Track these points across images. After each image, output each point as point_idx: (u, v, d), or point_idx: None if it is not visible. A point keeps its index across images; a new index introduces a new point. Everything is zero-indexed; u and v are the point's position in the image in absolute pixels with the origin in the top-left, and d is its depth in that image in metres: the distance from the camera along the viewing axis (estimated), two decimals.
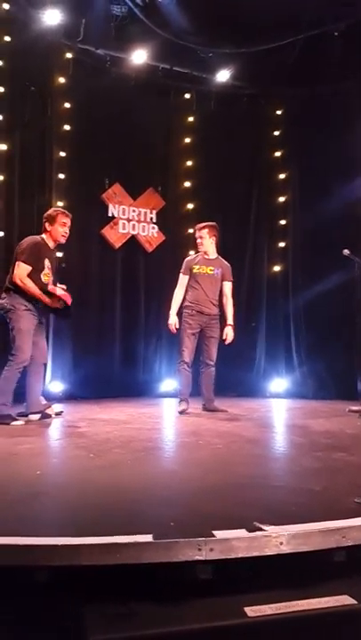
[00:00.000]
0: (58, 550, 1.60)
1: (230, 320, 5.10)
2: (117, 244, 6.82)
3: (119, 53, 6.52)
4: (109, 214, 6.75)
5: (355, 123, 6.57)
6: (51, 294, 4.33)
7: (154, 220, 7.01)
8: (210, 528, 1.74)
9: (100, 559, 1.60)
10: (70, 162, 6.36)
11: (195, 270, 5.12)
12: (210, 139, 6.97)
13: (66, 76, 6.30)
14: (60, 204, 6.28)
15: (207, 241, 5.14)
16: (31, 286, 4.23)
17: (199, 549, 1.64)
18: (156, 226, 7.02)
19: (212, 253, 5.19)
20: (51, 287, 4.38)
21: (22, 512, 2.02)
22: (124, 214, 6.83)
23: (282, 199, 7.34)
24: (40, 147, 6.19)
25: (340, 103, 6.79)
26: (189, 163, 7.09)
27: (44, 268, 4.37)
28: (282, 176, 7.33)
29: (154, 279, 6.87)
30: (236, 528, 1.78)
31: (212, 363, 5.09)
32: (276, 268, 7.30)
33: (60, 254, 6.20)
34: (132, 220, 6.88)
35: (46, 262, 4.41)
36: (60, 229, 4.48)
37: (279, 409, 5.90)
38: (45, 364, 4.50)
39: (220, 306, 5.16)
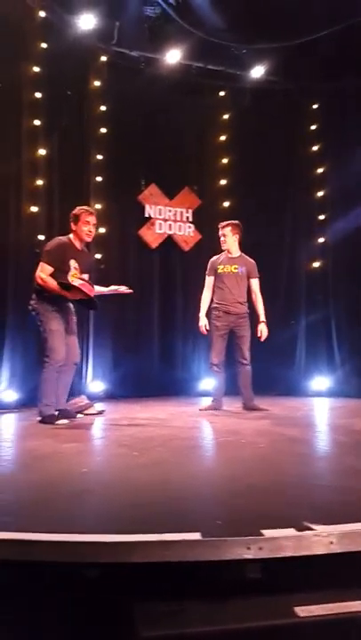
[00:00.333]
0: (107, 547, 1.62)
1: (262, 317, 5.06)
2: (154, 245, 6.86)
3: (153, 54, 6.56)
4: (146, 215, 6.80)
5: None
6: (69, 287, 4.22)
7: (190, 220, 7.02)
8: (257, 527, 1.72)
9: (149, 556, 1.60)
10: (107, 164, 6.45)
11: (219, 270, 5.10)
12: (245, 135, 6.93)
13: (101, 79, 6.38)
14: (98, 206, 6.38)
15: (230, 239, 5.11)
16: (50, 283, 4.18)
17: (248, 548, 1.63)
18: (192, 225, 7.03)
19: (236, 251, 5.16)
20: (77, 284, 4.28)
21: (70, 509, 2.06)
22: (160, 214, 6.87)
23: (320, 194, 7.22)
24: (77, 150, 6.29)
25: None
26: (225, 160, 7.07)
27: (69, 269, 4.32)
28: (319, 170, 7.22)
29: (191, 278, 6.86)
30: (284, 527, 1.75)
31: (246, 361, 5.05)
32: (316, 265, 7.19)
33: (98, 256, 6.31)
34: (169, 219, 6.91)
35: (72, 263, 4.35)
36: (83, 228, 4.42)
37: (321, 408, 5.81)
38: (77, 364, 4.51)
39: (251, 303, 5.11)
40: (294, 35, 6.31)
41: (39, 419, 4.28)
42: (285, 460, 2.95)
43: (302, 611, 1.62)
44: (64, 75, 6.08)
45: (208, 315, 5.12)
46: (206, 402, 5.15)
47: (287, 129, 7.15)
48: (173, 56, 6.50)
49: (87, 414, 4.78)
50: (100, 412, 4.88)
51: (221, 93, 7.07)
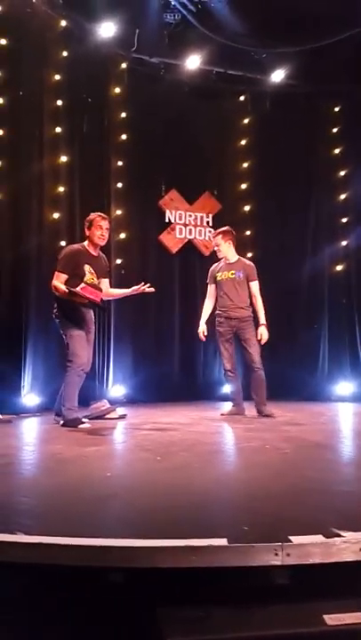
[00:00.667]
0: (134, 552, 1.60)
1: (263, 320, 4.98)
2: (175, 249, 6.87)
3: (173, 60, 6.59)
4: (166, 220, 6.82)
5: None
6: (74, 293, 4.26)
7: (210, 224, 7.02)
8: (285, 533, 1.69)
9: (176, 562, 1.59)
10: (127, 170, 6.49)
11: (218, 278, 5.11)
12: (266, 139, 6.91)
13: (121, 86, 6.44)
14: (119, 212, 6.42)
15: (224, 246, 5.09)
16: (61, 288, 4.25)
17: (276, 554, 1.60)
18: (212, 229, 7.01)
19: (233, 257, 5.13)
20: (83, 289, 4.32)
21: (94, 514, 2.05)
22: (180, 219, 6.88)
23: (342, 197, 7.15)
24: (98, 157, 6.34)
25: None
26: (245, 165, 7.06)
27: (84, 275, 4.38)
28: (342, 173, 7.16)
29: None
30: (312, 533, 1.72)
31: (255, 365, 4.94)
32: (339, 268, 7.12)
33: (118, 261, 6.34)
34: (189, 224, 6.92)
35: (87, 268, 4.40)
36: (96, 232, 4.49)
37: (346, 413, 5.73)
38: (87, 373, 4.55)
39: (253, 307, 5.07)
40: (315, 38, 6.28)
41: (62, 421, 4.32)
42: (311, 466, 2.91)
43: (331, 619, 1.59)
44: (85, 82, 6.15)
45: (212, 323, 5.13)
46: (228, 407, 5.12)
47: (308, 132, 7.11)
48: (193, 62, 6.52)
49: (109, 418, 4.79)
50: (122, 417, 4.88)
51: (241, 98, 7.07)
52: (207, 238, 7.01)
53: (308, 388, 6.68)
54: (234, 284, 5.03)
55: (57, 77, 5.88)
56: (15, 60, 5.56)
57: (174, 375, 6.64)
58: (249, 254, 7.06)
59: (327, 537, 1.69)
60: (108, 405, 4.94)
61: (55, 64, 5.88)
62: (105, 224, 4.53)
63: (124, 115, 6.44)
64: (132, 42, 6.28)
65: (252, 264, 5.16)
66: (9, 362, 5.35)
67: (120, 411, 4.98)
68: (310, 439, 3.78)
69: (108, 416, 4.82)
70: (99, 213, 4.62)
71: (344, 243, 7.14)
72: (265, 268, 7.06)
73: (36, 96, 5.73)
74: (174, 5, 6.12)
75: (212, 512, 2.06)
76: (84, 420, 4.38)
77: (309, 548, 1.64)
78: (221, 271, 5.11)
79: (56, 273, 4.37)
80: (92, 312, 4.53)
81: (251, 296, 5.05)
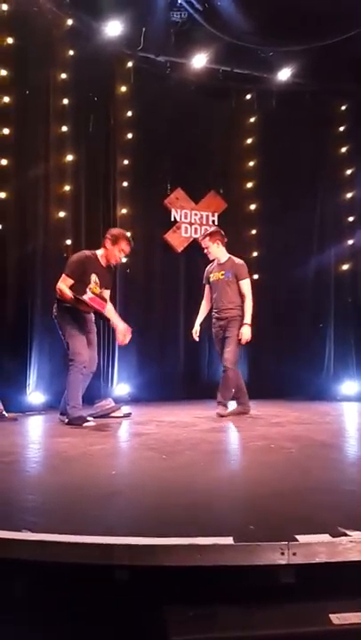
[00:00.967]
0: (139, 550, 1.60)
1: (246, 319, 4.89)
2: (180, 248, 6.86)
3: (179, 59, 6.57)
4: (172, 219, 6.81)
5: None
6: (81, 300, 4.33)
7: (216, 223, 7.00)
8: (290, 532, 1.69)
9: (181, 560, 1.59)
10: (133, 169, 6.48)
11: (211, 279, 5.10)
12: (272, 138, 6.89)
13: (127, 84, 6.43)
14: (124, 211, 6.42)
15: (213, 248, 5.05)
16: (66, 293, 4.30)
17: (282, 553, 1.60)
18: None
19: (223, 257, 5.09)
20: (89, 299, 4.37)
21: (100, 511, 2.05)
22: (186, 218, 6.87)
23: (348, 195, 7.12)
24: (104, 156, 6.34)
25: None
26: (251, 163, 7.04)
27: (89, 282, 4.40)
28: (348, 172, 7.13)
29: None
30: (318, 533, 1.71)
31: (225, 364, 4.86)
32: (345, 267, 7.09)
33: (124, 260, 6.33)
34: (195, 223, 6.91)
35: (93, 277, 4.43)
36: (117, 253, 4.53)
37: (351, 412, 5.70)
38: (93, 373, 4.56)
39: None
40: (321, 36, 6.25)
41: (67, 419, 4.32)
42: (316, 466, 2.90)
43: (337, 618, 1.58)
44: (91, 81, 6.15)
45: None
46: (232, 406, 5.09)
47: (314, 131, 7.08)
48: (199, 60, 6.50)
49: (114, 417, 4.79)
50: (127, 415, 4.89)
51: (248, 96, 7.04)
52: None
53: (314, 388, 6.66)
54: (224, 284, 5.00)
55: (63, 76, 5.88)
56: (21, 59, 5.56)
57: (179, 374, 6.63)
58: (254, 253, 7.07)
59: (333, 536, 1.68)
60: (113, 404, 4.95)
61: (61, 63, 5.88)
62: (128, 249, 4.57)
63: (129, 113, 6.44)
64: (139, 40, 6.27)
65: (241, 262, 5.08)
66: (14, 360, 5.37)
67: (125, 409, 4.98)
68: (316, 438, 3.77)
69: (112, 414, 4.82)
70: (127, 235, 4.64)
71: (350, 242, 7.11)
72: (270, 266, 7.10)
73: (41, 95, 5.74)
74: (181, 4, 6.10)
75: (218, 511, 2.06)
76: (88, 418, 4.39)
77: (316, 547, 1.64)
78: (214, 272, 5.11)
79: (63, 276, 4.38)
80: (92, 313, 4.54)
81: (241, 295, 4.98)
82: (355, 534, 1.69)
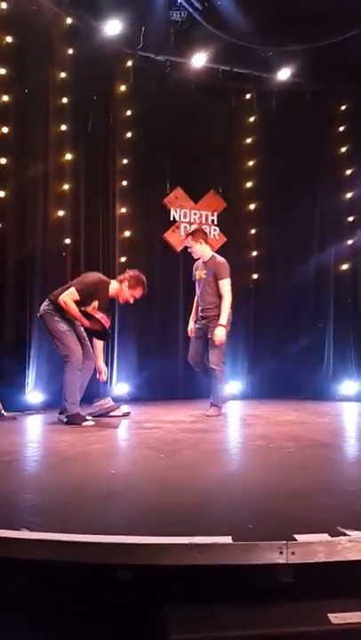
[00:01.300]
0: (138, 549, 1.60)
1: (222, 320, 4.79)
2: (179, 248, 6.85)
3: (179, 58, 6.56)
4: (171, 218, 6.80)
5: None
6: (89, 316, 4.38)
7: (215, 222, 7.00)
8: (290, 531, 1.69)
9: (180, 559, 1.59)
10: (132, 168, 6.47)
11: (196, 277, 5.11)
12: (272, 138, 6.88)
13: (127, 83, 6.41)
14: (124, 210, 6.41)
15: (196, 247, 5.04)
16: (72, 308, 4.32)
17: (280, 552, 1.60)
18: (217, 228, 7.01)
19: (207, 255, 5.07)
20: (91, 310, 4.42)
21: (99, 511, 2.05)
22: (185, 217, 6.86)
23: (348, 195, 7.12)
24: (103, 155, 6.32)
25: None
26: (251, 163, 7.03)
27: (89, 305, 4.44)
28: (348, 172, 7.13)
29: None
30: (317, 532, 1.72)
31: (213, 367, 4.86)
32: (344, 267, 7.09)
33: (123, 259, 6.35)
34: (194, 222, 6.89)
35: (95, 302, 4.46)
36: (127, 294, 4.60)
37: (351, 412, 5.70)
38: (87, 378, 4.57)
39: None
40: (322, 36, 6.24)
41: (65, 419, 4.32)
42: (315, 465, 2.90)
43: (336, 618, 1.59)
44: (90, 80, 6.13)
45: None
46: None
47: (315, 130, 7.07)
48: (199, 60, 6.49)
49: (113, 416, 4.79)
50: (126, 414, 4.89)
51: (247, 96, 7.03)
52: (212, 237, 6.99)
53: (313, 387, 6.66)
54: (205, 283, 4.99)
55: (62, 75, 5.87)
56: (21, 58, 5.55)
57: (178, 373, 6.62)
58: (254, 253, 7.07)
59: (332, 536, 1.68)
60: (112, 403, 4.95)
61: (61, 62, 5.86)
62: (140, 296, 4.65)
63: (129, 113, 6.42)
64: (138, 40, 6.26)
65: (222, 261, 5.01)
66: (13, 359, 5.37)
67: (124, 408, 4.98)
68: (315, 438, 3.77)
69: (111, 414, 4.82)
70: (145, 281, 4.63)
71: (350, 242, 7.10)
72: (270, 266, 7.10)
73: (41, 94, 5.72)
74: (180, 3, 6.08)
75: (217, 510, 2.06)
76: (87, 417, 4.39)
77: (314, 546, 1.64)
78: (198, 271, 5.11)
79: (73, 289, 4.37)
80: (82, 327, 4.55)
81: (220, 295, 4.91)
82: (354, 534, 1.69)
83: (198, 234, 5.08)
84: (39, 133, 5.73)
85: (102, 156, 6.32)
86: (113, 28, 5.95)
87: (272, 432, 3.99)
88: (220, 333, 4.76)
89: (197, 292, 5.13)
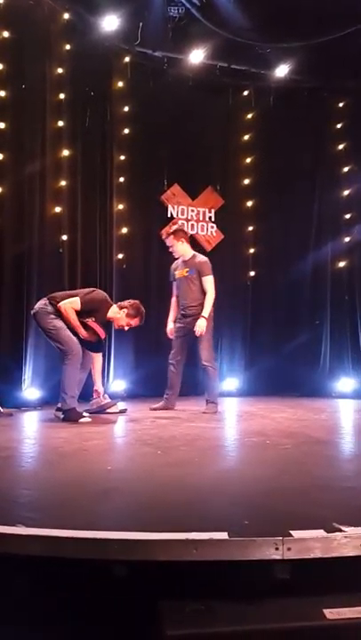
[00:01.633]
0: (134, 545, 1.60)
1: (204, 312, 4.89)
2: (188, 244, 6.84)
3: (176, 54, 6.54)
4: (168, 215, 6.79)
5: None
6: (87, 326, 4.44)
7: (212, 219, 7.00)
8: (286, 527, 1.69)
9: (177, 555, 1.59)
10: (130, 165, 6.46)
11: (176, 276, 5.13)
12: (269, 135, 6.88)
13: (124, 79, 6.39)
14: (121, 206, 6.40)
15: (177, 246, 5.07)
16: (72, 317, 4.37)
17: (276, 548, 1.60)
18: (214, 225, 7.01)
19: (188, 254, 5.11)
20: (89, 321, 4.47)
21: (96, 507, 2.06)
22: (182, 214, 6.86)
23: (346, 193, 7.13)
24: (100, 151, 6.31)
25: None
26: (248, 160, 7.03)
27: (85, 319, 4.49)
28: (345, 169, 7.13)
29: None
30: (313, 528, 1.72)
31: (203, 363, 4.95)
32: (341, 264, 7.10)
33: (120, 255, 6.35)
34: (191, 219, 6.90)
35: (91, 319, 4.51)
36: (125, 323, 4.68)
37: (347, 409, 5.72)
38: (86, 373, 4.60)
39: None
40: (319, 33, 6.23)
41: (62, 415, 4.32)
42: (311, 462, 2.91)
43: (331, 613, 1.59)
44: (87, 75, 6.11)
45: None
46: (160, 403, 5.13)
47: (312, 127, 7.07)
48: (197, 56, 6.48)
49: (110, 413, 4.79)
50: (123, 411, 4.89)
51: (245, 93, 7.02)
52: (209, 233, 7.00)
53: (310, 385, 6.68)
54: (188, 282, 5.03)
55: (60, 71, 5.85)
56: (18, 53, 5.53)
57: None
58: (251, 250, 7.07)
59: (328, 532, 1.69)
60: (109, 400, 4.95)
61: (58, 57, 5.84)
62: (136, 326, 4.75)
63: (126, 109, 6.41)
64: (136, 35, 6.23)
65: (205, 259, 5.10)
66: (10, 356, 5.36)
67: (121, 405, 4.98)
68: (312, 435, 3.78)
69: (108, 410, 4.82)
70: (143, 314, 4.74)
71: (347, 239, 7.11)
72: (267, 263, 7.10)
73: (38, 89, 5.70)
74: None
75: (213, 506, 2.06)
76: (84, 414, 4.39)
77: (310, 542, 1.64)
78: (179, 269, 5.12)
79: (77, 300, 4.43)
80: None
81: (204, 292, 4.99)
82: (349, 530, 1.69)
83: (179, 233, 5.13)
84: (36, 129, 5.71)
85: (100, 153, 6.30)
86: (110, 23, 5.93)
87: (268, 429, 4.00)
88: (202, 324, 4.87)
89: (176, 291, 5.16)
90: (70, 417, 4.26)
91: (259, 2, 5.99)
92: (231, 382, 6.75)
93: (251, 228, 7.05)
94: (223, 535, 1.63)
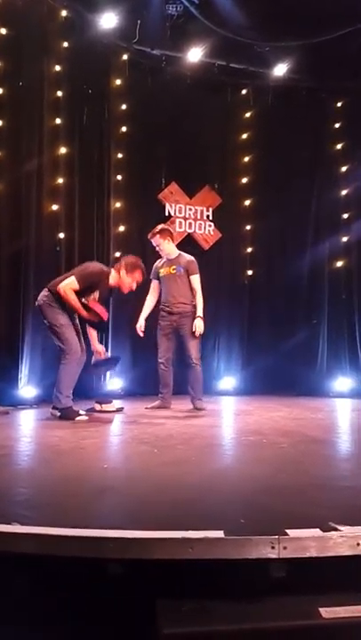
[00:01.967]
0: (130, 543, 1.60)
1: (199, 312, 4.97)
2: (174, 243, 6.83)
3: (175, 53, 6.53)
4: (166, 213, 6.79)
5: None
6: (88, 308, 4.40)
7: (210, 218, 6.99)
8: (281, 526, 1.69)
9: (173, 553, 1.59)
10: (127, 163, 6.45)
11: (161, 274, 5.15)
12: (267, 134, 6.87)
13: (122, 77, 6.38)
14: (118, 205, 6.39)
15: (164, 245, 5.11)
16: (72, 298, 4.30)
17: (272, 547, 1.60)
18: (212, 223, 7.00)
19: (174, 253, 5.17)
20: (90, 302, 4.43)
21: (92, 505, 2.05)
22: (180, 213, 6.85)
23: (344, 192, 7.13)
24: (98, 149, 6.30)
25: None
26: (246, 159, 7.02)
27: (89, 296, 4.45)
28: (343, 169, 7.14)
29: (210, 277, 6.82)
30: (309, 527, 1.72)
31: (192, 361, 5.00)
32: (339, 264, 7.10)
33: (117, 254, 6.33)
34: (189, 218, 6.89)
35: (95, 293, 4.48)
36: (127, 281, 4.57)
37: (344, 409, 5.72)
38: (80, 368, 4.57)
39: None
40: (318, 32, 6.23)
41: (59, 414, 4.31)
42: (308, 461, 2.91)
43: (327, 612, 1.59)
44: (85, 73, 6.10)
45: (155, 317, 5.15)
46: (155, 402, 5.13)
47: (310, 127, 7.07)
48: (195, 54, 6.47)
49: (106, 411, 4.78)
50: (119, 410, 4.88)
51: (243, 91, 7.02)
52: (207, 232, 6.99)
53: (307, 384, 6.68)
54: (175, 279, 5.06)
55: (57, 68, 5.83)
56: (15, 50, 5.51)
57: (172, 368, 6.61)
58: (249, 249, 7.07)
59: (324, 531, 1.69)
60: (109, 355, 4.97)
61: (56, 54, 5.83)
62: (142, 279, 4.64)
63: (124, 107, 6.39)
64: (134, 33, 6.22)
65: (192, 258, 5.16)
66: (6, 354, 5.35)
67: (117, 403, 4.98)
68: (308, 434, 3.78)
69: (105, 408, 4.81)
70: (143, 267, 4.66)
71: (345, 238, 7.12)
72: (265, 262, 7.10)
73: (35, 87, 5.69)
74: None
75: (209, 504, 2.06)
76: (81, 412, 4.38)
77: (306, 541, 1.64)
78: (164, 267, 5.14)
79: (73, 278, 4.36)
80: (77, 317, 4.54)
81: (192, 290, 5.05)
82: (345, 529, 1.69)
83: (166, 232, 5.18)
84: (33, 127, 5.70)
85: (97, 151, 6.29)
86: (108, 21, 5.92)
87: (265, 428, 4.00)
88: (200, 325, 4.93)
89: (158, 288, 5.16)
90: (67, 415, 4.26)
91: (257, 0, 5.98)
92: (228, 381, 6.76)
93: (248, 227, 7.05)
94: (219, 534, 1.63)
